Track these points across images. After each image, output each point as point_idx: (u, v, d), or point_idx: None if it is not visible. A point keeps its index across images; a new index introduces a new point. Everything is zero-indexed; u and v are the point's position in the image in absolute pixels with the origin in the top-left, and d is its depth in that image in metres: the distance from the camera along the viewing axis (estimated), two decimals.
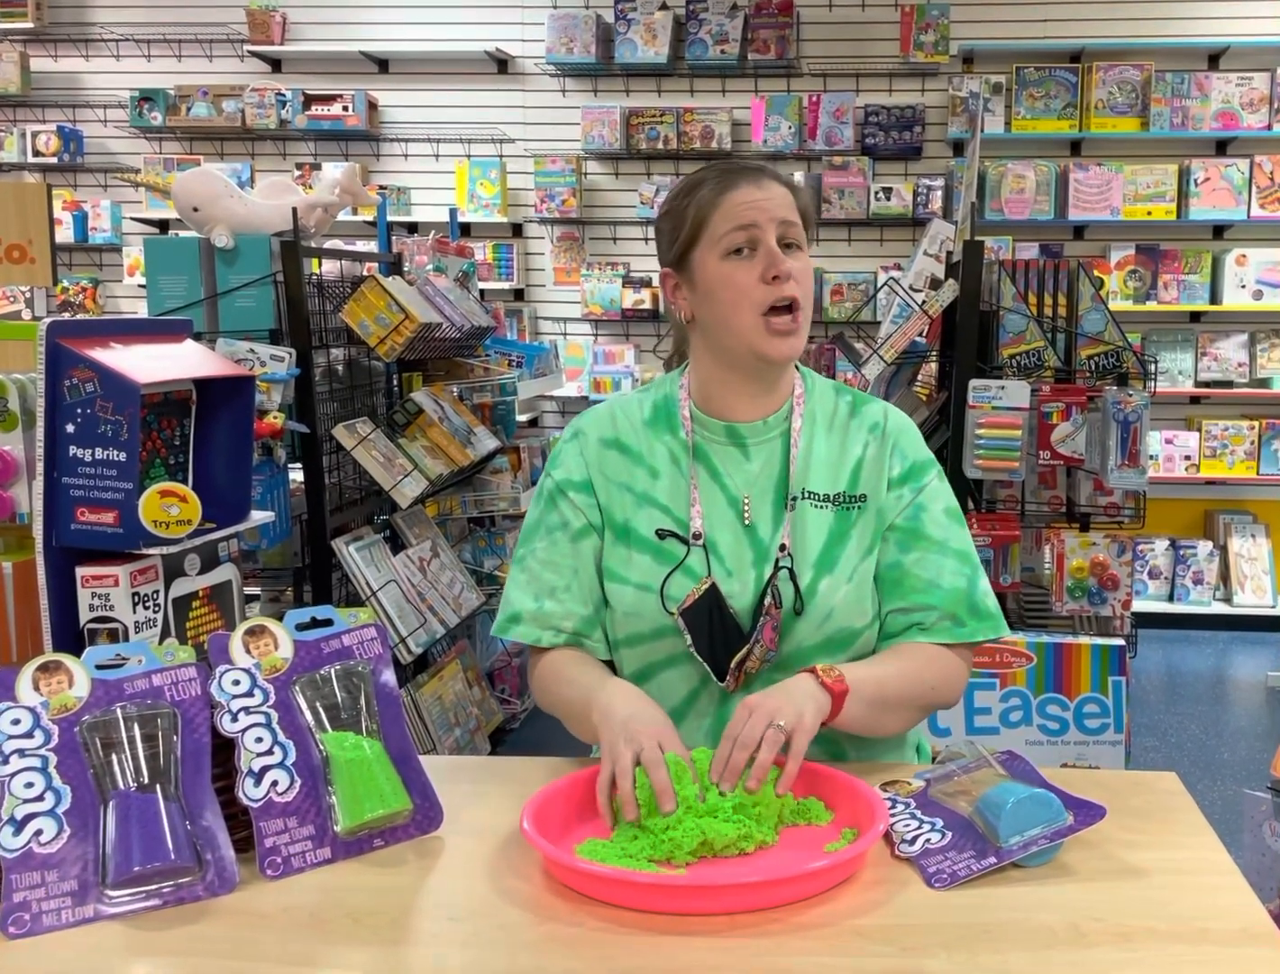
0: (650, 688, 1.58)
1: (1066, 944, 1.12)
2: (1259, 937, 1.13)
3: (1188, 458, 5.96)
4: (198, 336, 1.78)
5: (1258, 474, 5.93)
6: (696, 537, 1.58)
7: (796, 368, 1.68)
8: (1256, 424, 5.92)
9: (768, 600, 1.54)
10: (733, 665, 1.55)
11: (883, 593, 1.61)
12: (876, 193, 6.01)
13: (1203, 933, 1.14)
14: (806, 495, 1.60)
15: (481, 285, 5.25)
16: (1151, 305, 5.93)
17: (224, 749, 1.29)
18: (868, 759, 1.61)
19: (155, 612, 1.48)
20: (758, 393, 1.62)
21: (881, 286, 5.54)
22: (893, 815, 1.35)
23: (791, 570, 1.56)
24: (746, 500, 1.60)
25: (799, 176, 5.92)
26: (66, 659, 1.26)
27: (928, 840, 1.28)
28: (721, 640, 1.55)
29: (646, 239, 6.32)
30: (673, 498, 1.61)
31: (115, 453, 1.43)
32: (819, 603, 1.56)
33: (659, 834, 1.27)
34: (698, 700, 1.60)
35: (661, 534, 1.59)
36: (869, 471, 1.62)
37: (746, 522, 1.59)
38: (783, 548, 1.57)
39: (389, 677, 1.40)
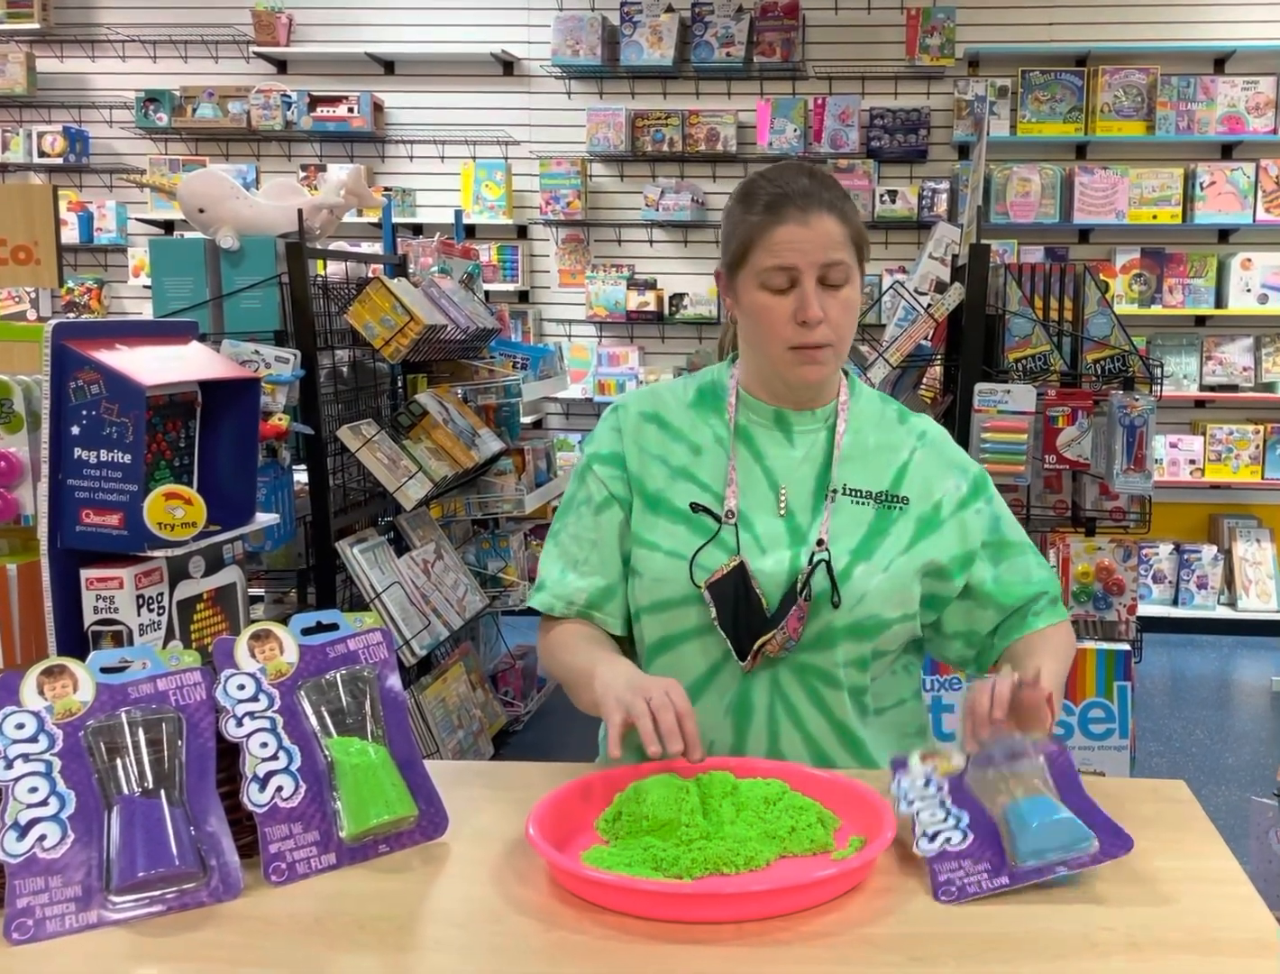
0: (669, 659, 1.61)
1: (1077, 954, 1.11)
2: (1270, 947, 1.13)
3: (1192, 462, 5.95)
4: (203, 338, 1.77)
5: (1262, 478, 5.92)
6: (730, 515, 1.60)
7: (845, 373, 1.70)
8: (1261, 428, 5.91)
9: (799, 591, 1.56)
10: (754, 648, 1.56)
11: (992, 608, 1.66)
12: (881, 196, 6.01)
13: (1214, 943, 1.13)
14: (847, 491, 1.62)
15: (486, 287, 5.24)
16: (1157, 309, 5.91)
17: (229, 754, 1.29)
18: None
19: (160, 614, 1.48)
20: (797, 399, 1.66)
21: (887, 290, 5.53)
22: (922, 797, 1.31)
23: (829, 564, 1.56)
24: (784, 492, 1.62)
25: None
26: (71, 663, 1.25)
27: (948, 840, 1.26)
28: (745, 619, 1.57)
29: (651, 241, 6.32)
30: (713, 475, 1.63)
31: (120, 455, 1.42)
32: (852, 586, 1.57)
33: (661, 854, 1.26)
34: (718, 676, 1.61)
35: (695, 508, 1.61)
36: (914, 476, 1.64)
37: (781, 512, 1.61)
38: (820, 542, 1.58)
39: (394, 682, 1.39)
